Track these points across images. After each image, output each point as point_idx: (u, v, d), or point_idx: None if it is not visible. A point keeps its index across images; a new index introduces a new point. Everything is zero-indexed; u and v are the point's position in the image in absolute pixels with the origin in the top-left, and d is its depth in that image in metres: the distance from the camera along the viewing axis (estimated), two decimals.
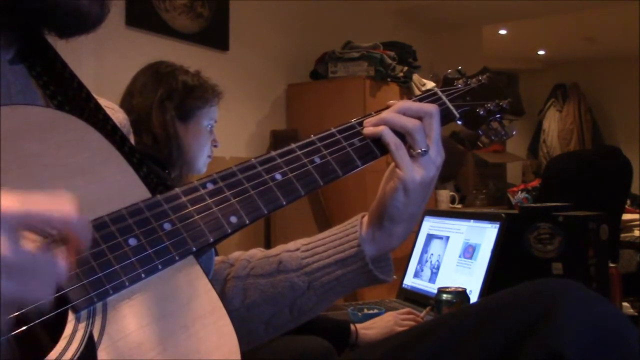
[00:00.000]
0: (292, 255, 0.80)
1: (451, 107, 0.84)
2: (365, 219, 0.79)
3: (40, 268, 0.42)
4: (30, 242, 0.42)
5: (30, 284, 0.42)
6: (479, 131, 0.90)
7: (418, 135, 0.73)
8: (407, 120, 0.74)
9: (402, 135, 0.74)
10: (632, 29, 4.73)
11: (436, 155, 0.75)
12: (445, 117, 0.84)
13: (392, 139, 0.73)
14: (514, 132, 0.91)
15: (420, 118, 0.75)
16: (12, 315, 0.44)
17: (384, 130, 0.73)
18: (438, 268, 1.63)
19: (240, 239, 2.93)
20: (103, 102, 0.74)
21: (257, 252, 0.86)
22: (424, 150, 0.74)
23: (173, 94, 1.61)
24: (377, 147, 0.74)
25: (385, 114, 0.75)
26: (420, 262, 1.71)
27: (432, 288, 1.58)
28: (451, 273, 1.58)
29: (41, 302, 0.44)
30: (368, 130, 0.75)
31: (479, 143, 0.93)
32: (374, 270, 0.78)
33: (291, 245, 0.82)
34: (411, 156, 0.74)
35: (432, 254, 1.68)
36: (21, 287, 0.41)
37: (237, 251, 0.89)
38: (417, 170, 0.73)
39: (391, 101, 0.78)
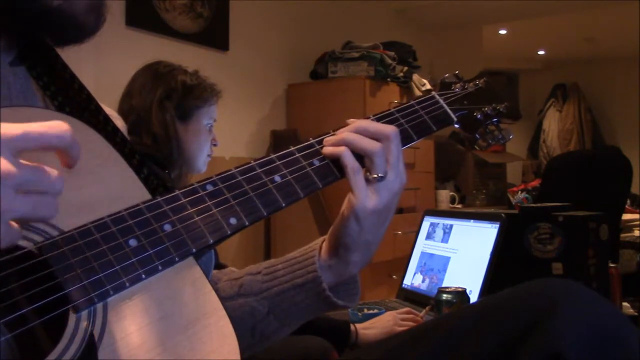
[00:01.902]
0: (254, 279, 0.79)
1: (449, 111, 0.85)
2: (325, 243, 0.77)
3: (42, 181, 0.45)
4: (29, 162, 0.45)
5: (36, 199, 0.45)
6: (477, 135, 0.90)
7: (377, 159, 0.70)
8: (368, 142, 0.71)
9: (361, 157, 0.71)
10: (632, 29, 4.73)
11: (394, 180, 0.71)
12: (443, 121, 0.84)
13: (350, 162, 0.70)
14: (510, 136, 0.91)
15: (379, 140, 0.71)
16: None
17: (343, 151, 0.70)
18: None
19: (240, 241, 2.93)
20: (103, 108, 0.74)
21: (229, 272, 0.84)
22: (381, 176, 0.70)
23: (172, 94, 1.61)
24: (337, 168, 0.71)
25: (346, 134, 0.72)
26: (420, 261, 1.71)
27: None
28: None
29: (50, 214, 0.47)
30: (327, 150, 0.71)
31: (476, 146, 0.94)
32: (331, 297, 0.75)
33: (254, 268, 0.81)
34: (367, 180, 0.71)
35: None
36: (29, 202, 0.45)
37: (215, 269, 0.88)
38: (371, 197, 0.70)
39: (350, 119, 0.75)
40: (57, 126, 0.47)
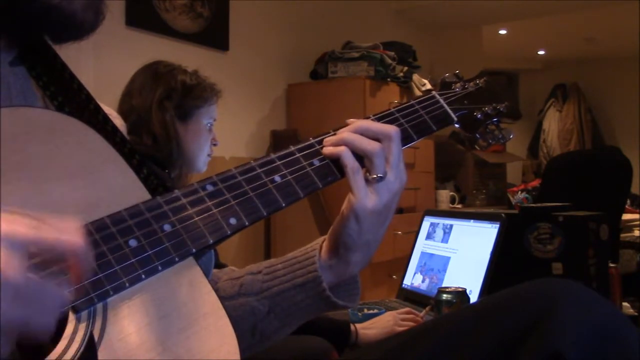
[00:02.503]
0: (254, 278, 0.79)
1: (449, 111, 0.84)
2: (325, 243, 0.77)
3: (45, 294, 0.43)
4: (35, 271, 0.43)
5: (34, 310, 0.42)
6: (477, 134, 0.90)
7: (377, 160, 0.70)
8: (368, 142, 0.71)
9: (361, 157, 0.71)
10: (632, 29, 4.73)
11: (393, 180, 0.72)
12: (443, 121, 0.84)
13: (350, 162, 0.70)
14: (511, 136, 0.91)
15: (379, 140, 0.72)
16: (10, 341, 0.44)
17: (343, 151, 0.70)
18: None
19: (240, 241, 2.93)
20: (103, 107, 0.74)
21: (229, 272, 0.85)
22: (380, 177, 0.71)
23: (172, 94, 1.61)
24: (337, 168, 0.71)
25: (346, 134, 0.72)
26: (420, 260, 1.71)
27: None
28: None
29: (43, 330, 0.44)
30: (327, 150, 0.71)
31: (476, 146, 0.93)
32: (331, 297, 0.75)
33: (255, 267, 0.81)
34: (367, 180, 0.71)
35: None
36: (26, 312, 0.42)
37: (215, 269, 0.88)
38: (370, 197, 0.70)
39: (350, 119, 0.75)
40: (70, 238, 0.44)
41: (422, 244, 1.74)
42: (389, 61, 3.24)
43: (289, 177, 0.68)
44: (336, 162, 0.71)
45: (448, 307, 1.25)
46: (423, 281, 1.67)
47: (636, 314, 1.80)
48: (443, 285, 1.49)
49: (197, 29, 2.81)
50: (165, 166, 1.58)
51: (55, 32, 0.68)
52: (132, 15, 2.50)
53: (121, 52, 2.43)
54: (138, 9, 2.53)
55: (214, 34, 2.89)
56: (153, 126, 1.59)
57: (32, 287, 0.42)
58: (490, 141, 0.91)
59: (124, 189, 0.60)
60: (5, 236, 0.41)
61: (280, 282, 0.77)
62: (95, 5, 0.68)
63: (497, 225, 1.50)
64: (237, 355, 0.57)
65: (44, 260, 0.45)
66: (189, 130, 1.64)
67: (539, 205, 1.91)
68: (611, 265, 1.59)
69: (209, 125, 1.68)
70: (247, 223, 0.64)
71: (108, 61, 2.37)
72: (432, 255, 1.68)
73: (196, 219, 0.61)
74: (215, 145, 1.73)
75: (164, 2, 2.64)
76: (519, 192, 3.91)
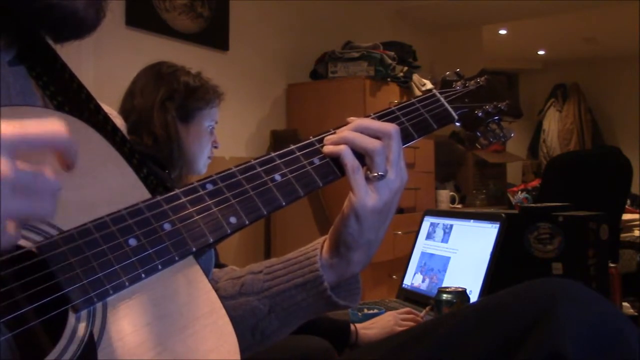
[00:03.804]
0: (255, 277, 0.78)
1: (450, 109, 0.84)
2: (326, 242, 0.77)
3: (40, 184, 0.45)
4: (25, 163, 0.45)
5: (34, 199, 0.45)
6: (477, 133, 0.90)
7: (378, 158, 0.70)
8: (368, 141, 0.71)
9: (361, 156, 0.71)
10: (632, 29, 4.73)
11: (394, 179, 0.71)
12: (444, 119, 0.83)
13: (350, 161, 0.70)
14: (512, 134, 0.91)
15: (379, 138, 0.71)
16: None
17: (343, 150, 0.70)
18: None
19: (240, 240, 2.93)
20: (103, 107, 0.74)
21: (229, 271, 0.85)
22: (381, 175, 0.70)
23: (174, 95, 1.61)
24: (337, 167, 0.71)
25: (346, 133, 0.72)
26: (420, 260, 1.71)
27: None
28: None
29: (48, 216, 0.46)
30: (328, 148, 0.71)
31: (477, 145, 0.93)
32: (333, 297, 0.75)
33: (256, 266, 0.81)
34: (367, 179, 0.71)
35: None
36: (27, 202, 0.44)
37: (215, 268, 0.88)
38: (371, 196, 0.70)
39: (351, 118, 0.75)
40: (52, 125, 0.47)
41: (422, 244, 1.74)
42: (389, 61, 3.24)
43: (289, 176, 0.68)
44: (336, 160, 0.71)
45: (448, 307, 1.25)
46: (423, 281, 1.67)
47: (636, 314, 1.80)
48: (443, 285, 1.49)
49: (197, 29, 2.81)
50: (165, 167, 1.58)
51: (56, 30, 0.68)
52: (132, 15, 2.50)
53: (121, 52, 2.43)
54: (138, 9, 2.53)
55: (214, 34, 2.89)
56: (154, 127, 1.58)
57: (27, 178, 0.44)
58: (491, 140, 0.91)
59: (124, 188, 0.60)
60: None
61: (281, 282, 0.76)
62: (97, 3, 0.68)
63: (497, 225, 1.50)
64: (237, 355, 0.57)
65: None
66: (190, 132, 1.64)
67: (539, 205, 1.91)
68: (611, 265, 1.59)
69: (210, 127, 1.68)
70: (247, 222, 0.64)
71: (108, 61, 2.37)
72: (432, 255, 1.68)
73: (196, 217, 0.61)
74: (216, 147, 1.73)
75: (164, 2, 2.64)
76: (519, 192, 3.91)
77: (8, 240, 0.44)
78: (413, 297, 1.66)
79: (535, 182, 4.02)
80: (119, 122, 0.84)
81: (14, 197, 0.44)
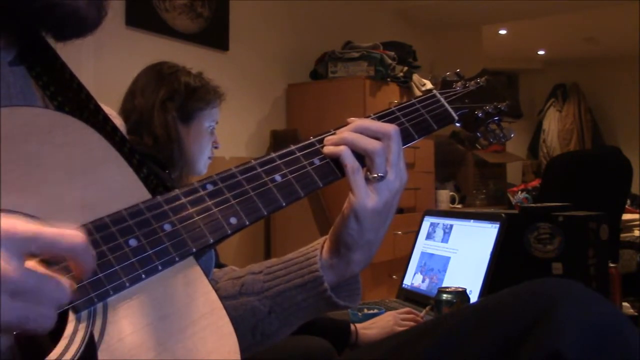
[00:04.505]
0: (255, 278, 0.78)
1: (450, 110, 0.84)
2: (326, 243, 0.77)
3: (44, 291, 0.43)
4: (35, 266, 0.43)
5: (33, 307, 0.42)
6: (478, 133, 0.90)
7: (378, 159, 0.70)
8: (368, 142, 0.71)
9: (361, 156, 0.71)
10: (632, 29, 4.73)
11: (394, 179, 0.71)
12: (444, 120, 0.83)
13: (350, 161, 0.70)
14: (512, 135, 0.91)
15: (379, 139, 0.71)
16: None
17: (343, 151, 0.70)
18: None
19: (240, 241, 2.93)
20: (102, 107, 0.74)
21: (229, 271, 0.85)
22: (381, 176, 0.71)
23: (175, 95, 1.61)
24: (337, 167, 0.71)
25: (346, 134, 0.72)
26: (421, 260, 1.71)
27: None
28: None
29: (44, 325, 0.44)
30: (328, 149, 0.71)
31: (477, 145, 0.94)
32: (333, 297, 0.75)
33: (256, 267, 0.81)
34: (367, 180, 0.71)
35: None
36: (25, 310, 0.42)
37: (215, 268, 0.88)
38: (371, 197, 0.70)
39: (351, 118, 0.75)
40: (71, 236, 0.44)
41: (422, 244, 1.74)
42: (389, 61, 3.24)
43: (290, 177, 0.68)
44: (337, 161, 0.71)
45: (448, 307, 1.25)
46: (423, 281, 1.67)
47: (636, 314, 1.80)
48: (443, 285, 1.49)
49: (197, 29, 2.81)
50: (165, 167, 1.58)
51: (58, 29, 0.68)
52: (132, 15, 2.50)
53: (121, 52, 2.43)
54: (138, 9, 2.53)
55: (214, 34, 2.89)
56: (154, 127, 1.58)
57: (32, 283, 0.42)
58: (491, 140, 0.91)
59: (124, 188, 0.60)
60: (5, 233, 0.41)
61: (281, 282, 0.76)
62: (98, 2, 0.68)
63: (497, 225, 1.50)
64: (238, 355, 0.57)
65: (46, 260, 0.44)
66: (191, 132, 1.64)
67: (539, 205, 1.91)
68: (611, 265, 1.59)
69: (210, 127, 1.68)
70: (247, 222, 0.64)
71: (108, 61, 2.37)
72: (432, 255, 1.68)
73: (196, 218, 0.61)
74: (216, 147, 1.73)
75: (164, 2, 2.64)
76: (519, 192, 3.91)
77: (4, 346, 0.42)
78: (413, 297, 1.67)
79: (535, 182, 4.02)
80: (118, 122, 0.84)
81: (13, 301, 0.40)
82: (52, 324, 0.44)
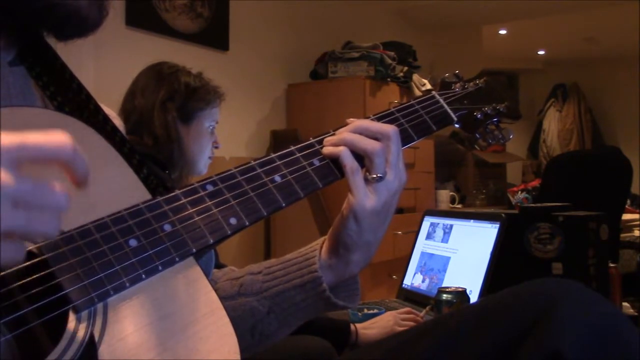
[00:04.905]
0: (254, 278, 0.79)
1: (449, 111, 0.85)
2: (325, 243, 0.77)
3: (43, 197, 0.43)
4: (30, 174, 0.43)
5: (36, 214, 0.43)
6: (477, 134, 0.90)
7: (377, 159, 0.70)
8: (368, 142, 0.71)
9: (360, 157, 0.71)
10: (632, 29, 4.73)
11: (393, 180, 0.72)
12: (443, 121, 0.84)
13: (349, 162, 0.70)
14: (511, 136, 0.91)
15: (378, 140, 0.72)
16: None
17: (342, 151, 0.70)
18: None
19: (240, 241, 2.93)
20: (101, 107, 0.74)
21: (229, 271, 0.85)
22: (380, 176, 0.71)
23: (175, 95, 1.61)
24: (337, 168, 0.71)
25: (345, 134, 0.72)
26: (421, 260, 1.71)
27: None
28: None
29: (45, 235, 0.44)
30: (327, 150, 0.72)
31: (476, 146, 0.94)
32: (332, 297, 0.75)
33: (255, 267, 0.81)
34: (366, 180, 0.71)
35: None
36: (28, 217, 0.42)
37: (215, 269, 0.88)
38: (370, 197, 0.70)
39: (350, 119, 0.75)
40: (56, 136, 0.44)
41: (422, 244, 1.74)
42: (389, 61, 3.24)
43: (289, 177, 0.68)
44: (336, 162, 0.71)
45: (448, 307, 1.25)
46: (423, 281, 1.67)
47: (636, 314, 1.80)
48: (443, 285, 1.49)
49: (197, 29, 2.81)
50: (165, 167, 1.58)
51: (59, 28, 0.68)
52: (132, 15, 2.50)
53: (121, 52, 2.43)
54: (138, 9, 2.53)
55: (214, 34, 2.89)
56: (155, 127, 1.59)
57: (29, 189, 0.42)
58: (490, 141, 0.91)
59: (124, 188, 0.60)
60: None
61: (280, 283, 0.77)
62: (99, 1, 0.68)
63: (497, 225, 1.50)
64: (238, 355, 0.57)
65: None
66: (191, 133, 1.64)
67: (539, 205, 1.91)
68: (611, 265, 1.59)
69: (210, 127, 1.68)
70: (247, 223, 0.64)
71: (108, 61, 2.37)
72: (432, 255, 1.68)
73: (196, 218, 0.61)
74: (216, 147, 1.73)
75: (164, 2, 2.64)
76: (519, 192, 3.91)
77: (10, 256, 0.42)
78: (413, 297, 1.67)
79: (535, 182, 4.02)
80: (118, 122, 0.84)
81: (13, 209, 0.41)
82: (55, 231, 0.44)
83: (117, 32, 2.44)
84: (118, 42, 2.43)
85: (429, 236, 1.73)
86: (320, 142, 0.73)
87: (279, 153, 0.70)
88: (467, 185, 4.42)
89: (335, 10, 3.70)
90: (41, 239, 0.47)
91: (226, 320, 0.58)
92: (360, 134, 0.72)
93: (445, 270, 1.60)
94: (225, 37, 2.96)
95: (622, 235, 2.94)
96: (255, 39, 3.17)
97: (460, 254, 1.59)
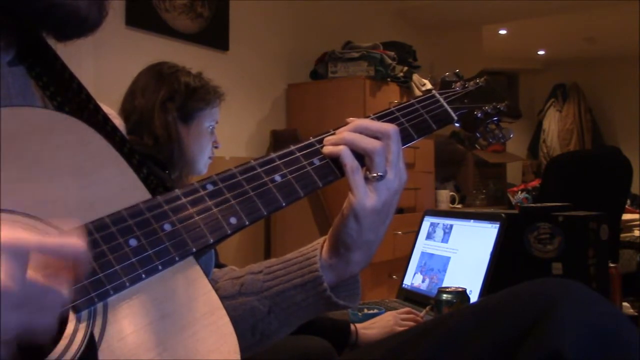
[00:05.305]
0: (255, 278, 0.79)
1: (449, 110, 0.85)
2: (326, 243, 0.77)
3: (45, 301, 0.43)
4: (35, 273, 0.43)
5: (34, 316, 0.42)
6: (477, 133, 0.90)
7: (377, 159, 0.70)
8: (368, 141, 0.71)
9: (361, 156, 0.71)
10: (632, 29, 4.73)
11: (393, 179, 0.71)
12: (443, 120, 0.84)
13: (349, 161, 0.70)
14: (511, 135, 0.91)
15: (378, 139, 0.71)
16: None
17: (342, 150, 0.70)
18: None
19: (240, 241, 2.93)
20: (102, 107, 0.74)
21: (229, 271, 0.85)
22: (380, 175, 0.71)
23: (175, 96, 1.61)
24: (337, 167, 0.71)
25: (346, 134, 0.72)
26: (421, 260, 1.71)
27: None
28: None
29: (45, 331, 0.44)
30: (327, 149, 0.71)
31: (477, 145, 0.94)
32: (332, 297, 0.75)
33: (255, 267, 0.81)
34: (366, 179, 0.71)
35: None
36: (25, 319, 0.42)
37: (215, 268, 0.88)
38: (370, 196, 0.70)
39: (350, 118, 0.75)
40: (73, 245, 0.45)
41: (422, 244, 1.74)
42: (389, 61, 3.24)
43: (289, 177, 0.68)
44: (336, 161, 0.71)
45: (448, 307, 1.25)
46: (423, 281, 1.67)
47: (636, 314, 1.80)
48: (443, 285, 1.49)
49: (197, 29, 2.81)
50: (165, 167, 1.58)
51: (59, 29, 0.68)
52: (132, 15, 2.50)
53: (121, 52, 2.43)
54: (138, 9, 2.53)
55: (214, 34, 2.89)
56: (155, 127, 1.59)
57: (33, 292, 0.42)
58: (491, 140, 0.91)
59: (123, 188, 0.60)
60: (7, 244, 0.41)
61: (280, 282, 0.77)
62: (99, 1, 0.68)
63: (497, 225, 1.50)
64: (238, 355, 0.57)
65: (44, 262, 0.45)
66: (191, 132, 1.64)
67: (539, 205, 1.91)
68: (611, 265, 1.59)
69: (210, 127, 1.68)
70: (247, 222, 0.64)
71: (108, 61, 2.37)
72: (432, 255, 1.68)
73: (196, 218, 0.61)
74: (216, 147, 1.73)
75: (164, 2, 2.64)
76: (519, 192, 3.91)
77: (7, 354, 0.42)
78: (413, 297, 1.67)
79: (535, 182, 4.02)
80: (118, 122, 0.84)
81: (14, 311, 0.41)
82: (53, 331, 0.44)
83: (117, 32, 2.44)
84: (118, 42, 2.43)
85: (429, 236, 1.73)
86: (320, 141, 0.73)
87: (279, 153, 0.70)
88: (467, 185, 4.42)
89: (335, 10, 3.70)
90: (37, 337, 0.45)
91: (226, 320, 0.58)
92: (361, 133, 0.72)
93: (445, 270, 1.60)
94: (225, 37, 2.96)
95: (622, 235, 2.94)
96: (255, 39, 3.17)
97: (460, 254, 1.59)
